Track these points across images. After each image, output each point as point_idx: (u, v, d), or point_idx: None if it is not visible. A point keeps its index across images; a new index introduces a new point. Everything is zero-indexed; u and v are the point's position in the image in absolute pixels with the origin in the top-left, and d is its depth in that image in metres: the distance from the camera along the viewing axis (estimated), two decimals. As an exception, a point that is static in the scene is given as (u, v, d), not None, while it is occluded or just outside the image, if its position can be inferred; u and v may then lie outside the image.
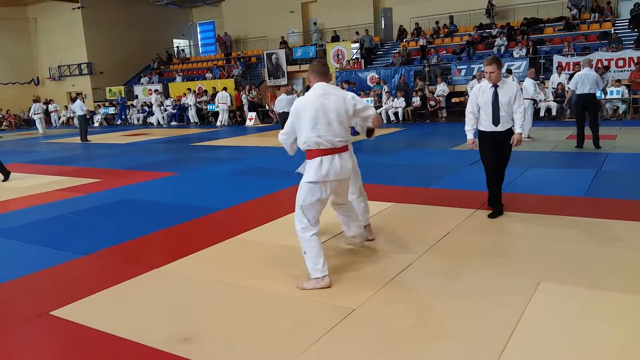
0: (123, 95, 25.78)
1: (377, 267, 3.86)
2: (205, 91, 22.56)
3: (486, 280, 3.53)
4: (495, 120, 4.99)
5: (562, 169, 7.73)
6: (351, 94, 3.68)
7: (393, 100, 17.33)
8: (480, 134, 5.15)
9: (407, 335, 2.83)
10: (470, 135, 5.16)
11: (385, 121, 17.50)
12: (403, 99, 17.11)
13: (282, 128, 3.79)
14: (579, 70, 9.65)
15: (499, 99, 4.95)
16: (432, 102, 16.81)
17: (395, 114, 17.22)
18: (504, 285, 3.45)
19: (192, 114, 22.02)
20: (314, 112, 3.47)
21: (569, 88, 10.02)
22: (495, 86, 4.97)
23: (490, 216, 5.10)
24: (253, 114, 19.80)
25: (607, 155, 8.40)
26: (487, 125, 5.05)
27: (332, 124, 3.50)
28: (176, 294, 3.63)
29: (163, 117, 22.47)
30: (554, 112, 15.11)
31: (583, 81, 8.91)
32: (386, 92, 17.50)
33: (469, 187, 6.45)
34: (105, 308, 3.44)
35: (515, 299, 3.21)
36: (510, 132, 5.04)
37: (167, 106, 22.76)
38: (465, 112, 5.25)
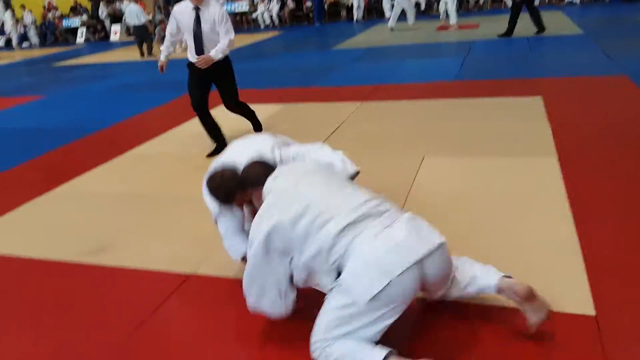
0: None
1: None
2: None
3: (375, 162, 3.80)
4: (199, 50, 4.15)
5: (434, 59, 8.23)
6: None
7: (268, 3, 16.81)
8: (189, 64, 4.26)
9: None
10: (162, 57, 4.40)
11: (261, 26, 17.07)
12: (277, 1, 16.64)
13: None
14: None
15: (201, 25, 4.08)
16: (309, 4, 16.55)
17: (271, 17, 16.80)
18: (392, 162, 3.77)
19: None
20: None
21: None
22: (197, 9, 4.06)
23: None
24: (117, 28, 18.17)
25: (472, 43, 9.06)
26: (191, 56, 4.21)
27: None
28: (78, 212, 3.52)
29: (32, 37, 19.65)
30: (422, 7, 15.70)
31: None
32: (259, -5, 16.89)
33: (354, 83, 6.71)
34: (2, 235, 3.28)
35: (404, 172, 3.55)
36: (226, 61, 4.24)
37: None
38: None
